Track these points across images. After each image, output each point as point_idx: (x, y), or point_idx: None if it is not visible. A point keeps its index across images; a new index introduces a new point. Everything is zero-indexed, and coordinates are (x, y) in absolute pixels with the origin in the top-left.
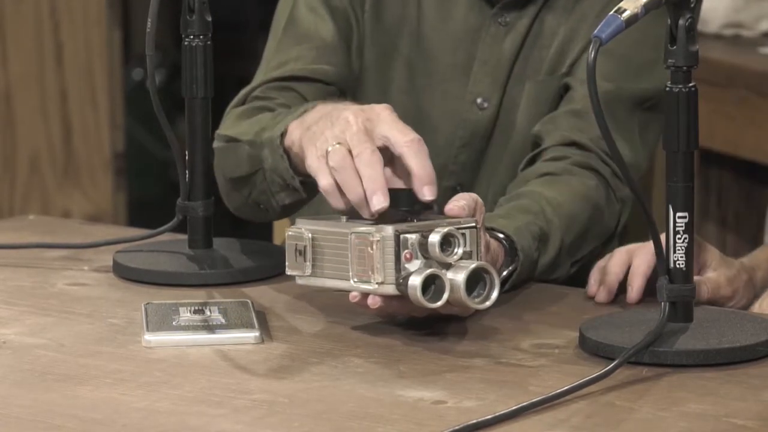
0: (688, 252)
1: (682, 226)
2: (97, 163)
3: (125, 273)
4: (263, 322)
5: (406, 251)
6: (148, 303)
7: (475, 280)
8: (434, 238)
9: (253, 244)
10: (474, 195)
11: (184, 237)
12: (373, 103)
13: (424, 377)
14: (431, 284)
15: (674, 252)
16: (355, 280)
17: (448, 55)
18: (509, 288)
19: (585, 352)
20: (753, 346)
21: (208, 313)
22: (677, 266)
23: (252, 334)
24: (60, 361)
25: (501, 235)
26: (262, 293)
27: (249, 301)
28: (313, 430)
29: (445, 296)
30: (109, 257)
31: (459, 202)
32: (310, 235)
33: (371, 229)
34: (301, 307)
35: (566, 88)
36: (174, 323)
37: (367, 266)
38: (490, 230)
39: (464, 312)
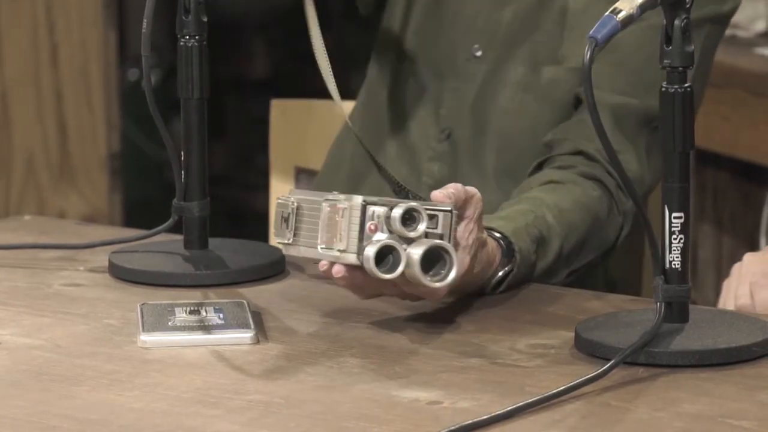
0: (684, 253)
1: (677, 227)
2: (93, 164)
3: (121, 273)
4: (259, 322)
5: (371, 222)
6: (143, 303)
7: (434, 259)
8: (396, 211)
9: (248, 244)
10: (470, 188)
11: (179, 237)
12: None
13: (420, 378)
14: (388, 255)
15: (670, 252)
16: (322, 246)
17: (458, 1)
18: (505, 289)
19: (581, 353)
20: (748, 347)
21: (204, 313)
22: (673, 267)
23: (248, 335)
24: (56, 362)
25: (498, 235)
26: (257, 294)
27: (245, 302)
28: (309, 431)
29: (400, 269)
30: (105, 258)
31: (447, 190)
32: (295, 204)
33: (341, 197)
34: (297, 307)
35: (578, 100)
36: (170, 324)
37: (333, 233)
38: (488, 230)
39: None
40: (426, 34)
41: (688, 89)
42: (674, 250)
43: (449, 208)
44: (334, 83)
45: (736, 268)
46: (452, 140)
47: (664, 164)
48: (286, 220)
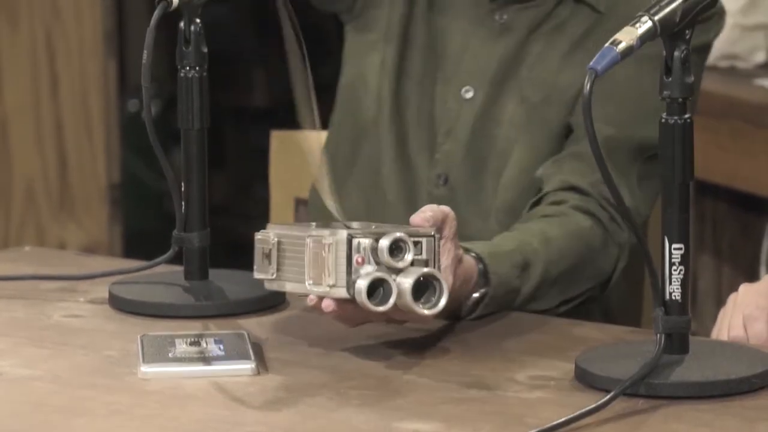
0: (684, 284)
1: (677, 258)
2: (93, 194)
3: (121, 305)
4: (259, 353)
5: (357, 255)
6: (143, 335)
7: (424, 287)
8: (383, 242)
9: (248, 275)
10: (444, 208)
11: (180, 268)
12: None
13: (420, 409)
14: (378, 288)
15: (670, 284)
16: (310, 282)
17: (445, 41)
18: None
19: (581, 384)
20: (748, 378)
21: (204, 344)
22: (673, 298)
23: (248, 366)
24: (55, 393)
25: (474, 254)
26: (257, 325)
27: (245, 333)
28: None
29: (392, 300)
30: (105, 289)
31: (424, 213)
32: (276, 239)
33: (325, 232)
34: (297, 338)
35: (570, 130)
36: (170, 355)
37: (320, 269)
38: (465, 250)
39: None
40: (414, 77)
41: (688, 120)
42: (674, 281)
43: (432, 233)
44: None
45: (732, 298)
46: (450, 185)
47: (663, 195)
48: (267, 255)
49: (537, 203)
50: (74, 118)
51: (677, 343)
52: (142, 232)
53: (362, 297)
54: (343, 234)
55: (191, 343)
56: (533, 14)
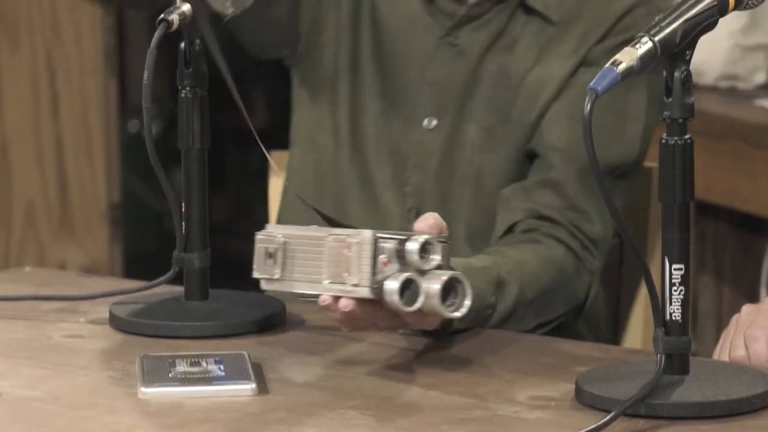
0: (684, 304)
1: (678, 278)
2: (93, 215)
3: (121, 325)
4: (259, 374)
5: (382, 256)
6: (144, 355)
7: (449, 290)
8: (413, 244)
9: (249, 295)
10: (437, 216)
11: (180, 288)
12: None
13: (421, 429)
14: (406, 288)
15: (670, 304)
16: (329, 281)
17: (400, 74)
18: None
19: (581, 405)
20: (748, 399)
21: (205, 365)
22: (673, 318)
23: (248, 386)
24: (56, 414)
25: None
26: (258, 345)
27: (245, 353)
28: None
29: (421, 299)
30: (106, 309)
31: (428, 221)
32: (282, 238)
33: (350, 231)
34: (298, 358)
35: (534, 155)
36: (170, 375)
37: (343, 268)
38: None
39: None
40: (371, 114)
41: (689, 141)
42: (674, 301)
43: (444, 239)
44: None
45: (734, 318)
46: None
47: (664, 216)
48: (271, 255)
49: (508, 231)
50: (75, 138)
51: (677, 364)
52: (143, 253)
53: (394, 297)
54: (368, 233)
55: (191, 364)
56: (485, 34)
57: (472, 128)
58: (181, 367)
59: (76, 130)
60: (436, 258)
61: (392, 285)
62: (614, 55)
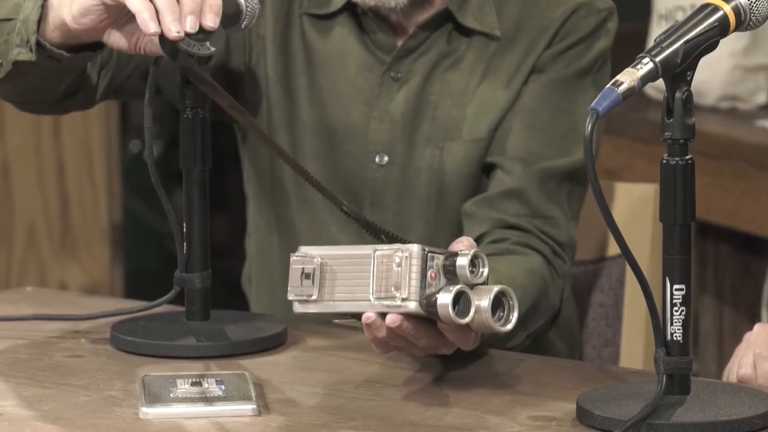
0: (685, 325)
1: (679, 299)
2: (94, 235)
3: (122, 345)
4: (260, 394)
5: (431, 270)
6: (145, 375)
7: (497, 304)
8: (463, 259)
9: (250, 316)
10: (470, 239)
11: (181, 309)
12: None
13: None
14: (458, 302)
15: (671, 324)
16: (375, 297)
17: (344, 114)
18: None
19: (582, 425)
20: (750, 419)
21: (206, 385)
22: (674, 338)
23: (249, 407)
24: None
25: None
26: (259, 365)
27: (246, 374)
28: None
29: (472, 311)
30: (107, 329)
31: (463, 243)
32: (319, 258)
33: (395, 246)
34: (299, 379)
35: (492, 167)
36: (171, 395)
37: (391, 283)
38: None
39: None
40: (318, 158)
41: (689, 161)
42: (675, 322)
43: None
44: None
45: (746, 337)
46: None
47: (665, 236)
48: (308, 276)
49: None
50: (76, 159)
51: (679, 384)
52: (144, 273)
53: (448, 309)
54: (416, 248)
55: (192, 384)
56: (426, 60)
57: (426, 152)
58: (183, 387)
59: (78, 150)
60: (485, 271)
61: (445, 298)
62: (563, 59)
